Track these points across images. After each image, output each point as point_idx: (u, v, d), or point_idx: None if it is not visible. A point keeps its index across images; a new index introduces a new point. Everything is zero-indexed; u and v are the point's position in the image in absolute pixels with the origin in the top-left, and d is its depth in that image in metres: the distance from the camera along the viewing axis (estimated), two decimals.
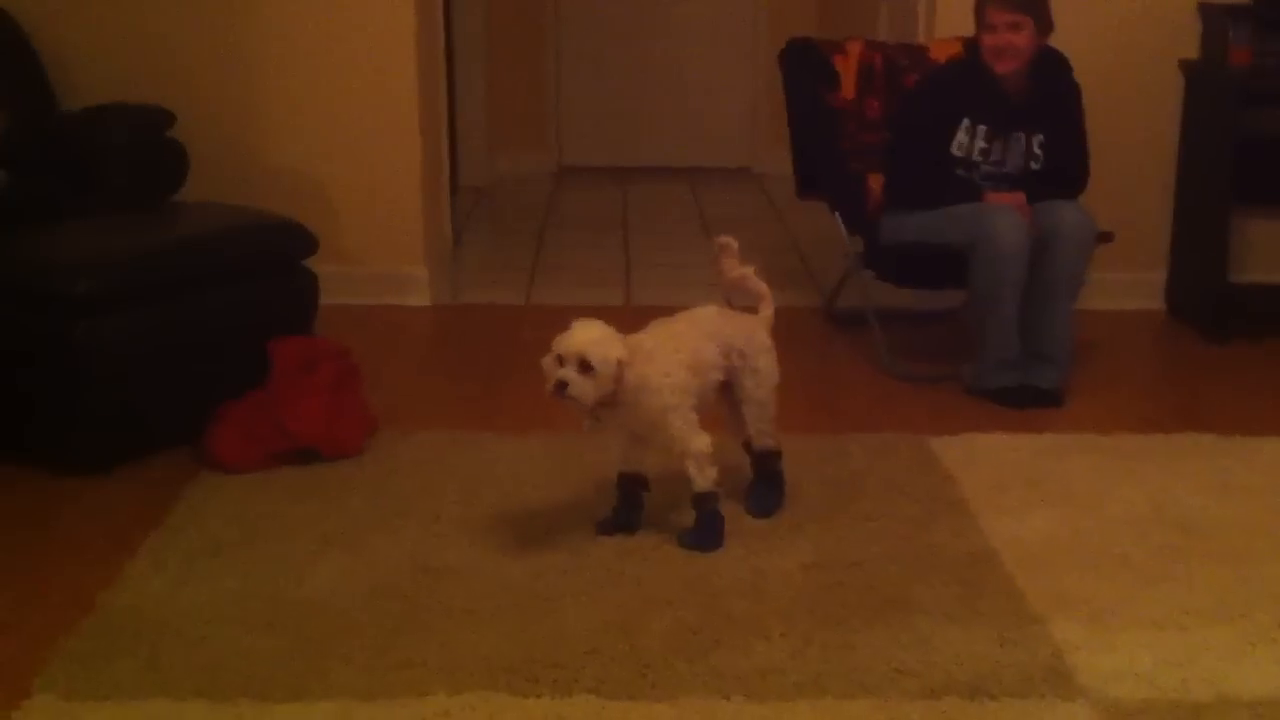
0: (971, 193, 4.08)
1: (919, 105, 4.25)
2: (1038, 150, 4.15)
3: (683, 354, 3.00)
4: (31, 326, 3.43)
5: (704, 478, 3.03)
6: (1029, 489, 3.41)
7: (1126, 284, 4.97)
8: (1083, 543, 3.12)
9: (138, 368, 3.49)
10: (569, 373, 2.82)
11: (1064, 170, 4.18)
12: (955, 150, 4.11)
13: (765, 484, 3.25)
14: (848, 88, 4.56)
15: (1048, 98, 4.16)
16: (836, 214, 4.47)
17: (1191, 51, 4.85)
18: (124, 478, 3.43)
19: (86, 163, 4.19)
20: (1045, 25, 4.07)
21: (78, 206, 4.02)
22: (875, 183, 4.44)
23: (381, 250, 4.97)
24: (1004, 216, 3.95)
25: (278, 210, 4.15)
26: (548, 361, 2.87)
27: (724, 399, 3.18)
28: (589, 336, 2.86)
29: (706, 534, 3.05)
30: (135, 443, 3.52)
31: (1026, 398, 4.01)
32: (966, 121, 4.11)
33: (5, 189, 4.13)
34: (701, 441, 3.01)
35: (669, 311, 3.15)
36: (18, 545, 3.10)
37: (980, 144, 4.12)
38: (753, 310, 3.22)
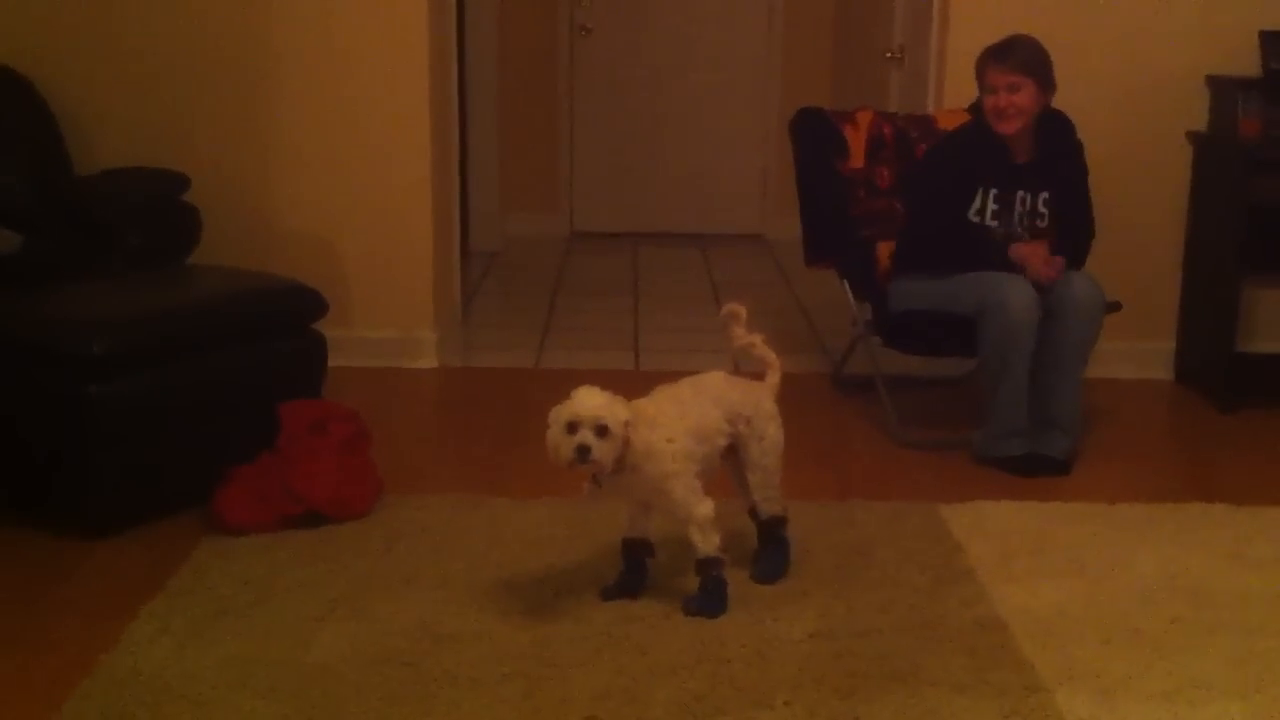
0: (993, 250, 4.08)
1: (936, 171, 4.25)
2: (1043, 209, 4.15)
3: (687, 420, 3.00)
4: (44, 387, 3.44)
5: (707, 543, 3.01)
6: (1038, 558, 3.39)
7: (1135, 353, 4.97)
8: (1093, 613, 3.10)
9: (149, 429, 3.50)
10: (589, 437, 2.81)
11: (1071, 226, 4.19)
12: (972, 216, 4.11)
13: (771, 550, 3.24)
14: (857, 156, 4.60)
15: (1053, 156, 4.17)
16: (844, 281, 4.49)
17: (1200, 123, 4.88)
18: (132, 539, 3.42)
19: (101, 225, 4.23)
20: (1047, 85, 4.09)
21: (92, 268, 4.05)
22: (883, 250, 4.45)
23: (391, 314, 4.99)
24: (1014, 284, 3.96)
25: (289, 274, 4.18)
26: (555, 432, 2.84)
27: (729, 464, 3.17)
28: (599, 401, 2.85)
29: (711, 600, 3.04)
30: (146, 504, 3.52)
31: (1036, 466, 4.00)
32: (980, 187, 4.12)
33: (21, 251, 4.16)
34: (704, 508, 2.99)
35: (677, 377, 3.15)
36: (24, 607, 3.09)
37: (992, 206, 4.13)
38: (760, 377, 3.22)
